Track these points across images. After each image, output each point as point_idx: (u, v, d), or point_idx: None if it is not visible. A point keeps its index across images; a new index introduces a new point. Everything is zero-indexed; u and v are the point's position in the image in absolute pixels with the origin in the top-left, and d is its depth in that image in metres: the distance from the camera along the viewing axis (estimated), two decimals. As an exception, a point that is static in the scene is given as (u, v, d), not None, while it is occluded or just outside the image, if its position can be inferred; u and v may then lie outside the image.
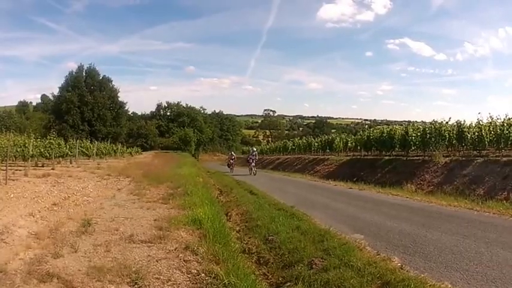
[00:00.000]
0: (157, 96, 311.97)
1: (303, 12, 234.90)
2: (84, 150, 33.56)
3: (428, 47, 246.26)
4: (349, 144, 40.19)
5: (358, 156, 35.09)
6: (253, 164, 32.85)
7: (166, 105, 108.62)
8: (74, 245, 7.08)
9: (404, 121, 59.97)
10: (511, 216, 11.41)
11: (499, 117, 22.05)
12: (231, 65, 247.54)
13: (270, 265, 7.92)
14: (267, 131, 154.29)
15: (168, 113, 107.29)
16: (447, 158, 22.67)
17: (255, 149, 36.09)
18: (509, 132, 20.57)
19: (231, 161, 38.47)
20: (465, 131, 23.58)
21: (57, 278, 5.59)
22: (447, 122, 25.48)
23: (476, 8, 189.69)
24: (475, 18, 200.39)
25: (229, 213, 13.70)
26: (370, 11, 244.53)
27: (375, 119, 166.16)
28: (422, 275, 6.51)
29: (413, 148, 27.47)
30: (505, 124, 21.02)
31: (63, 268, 6.02)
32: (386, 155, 30.25)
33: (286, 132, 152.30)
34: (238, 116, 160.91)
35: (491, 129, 21.99)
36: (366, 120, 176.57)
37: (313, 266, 7.15)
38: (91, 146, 35.50)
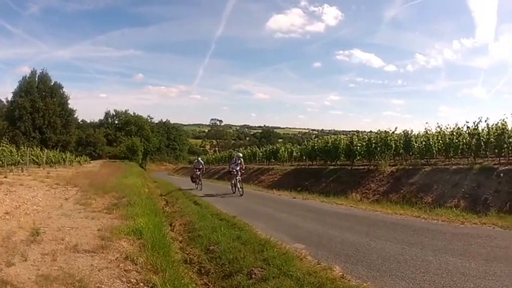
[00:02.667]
0: (106, 104, 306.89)
1: (253, 23, 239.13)
2: (34, 158, 34.42)
3: (378, 58, 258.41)
4: (294, 154, 40.25)
5: (303, 166, 35.12)
6: (238, 177, 22.48)
7: (114, 113, 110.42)
8: (24, 254, 7.33)
9: (352, 131, 60.65)
10: (462, 223, 11.60)
11: (448, 126, 22.65)
12: (180, 73, 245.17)
13: (210, 275, 8.11)
14: (214, 140, 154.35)
15: (116, 122, 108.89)
16: (393, 167, 22.89)
17: (240, 154, 24.65)
18: (458, 141, 21.00)
19: (198, 172, 29.18)
20: (412, 141, 23.93)
21: (11, 286, 5.87)
22: (393, 132, 25.89)
23: (431, 21, 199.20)
24: (429, 30, 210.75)
25: (173, 224, 14.17)
26: (321, 22, 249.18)
27: (322, 129, 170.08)
28: (365, 284, 6.60)
29: (358, 158, 27.86)
30: (454, 133, 21.47)
31: (15, 276, 6.27)
32: (331, 165, 30.28)
33: (233, 141, 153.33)
34: (185, 125, 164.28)
35: (439, 138, 22.51)
36: (313, 130, 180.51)
37: (253, 276, 7.31)
38: (41, 154, 36.29)
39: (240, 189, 21.93)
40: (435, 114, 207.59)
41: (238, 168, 22.75)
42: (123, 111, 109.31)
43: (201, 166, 30.37)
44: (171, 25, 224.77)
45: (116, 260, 7.45)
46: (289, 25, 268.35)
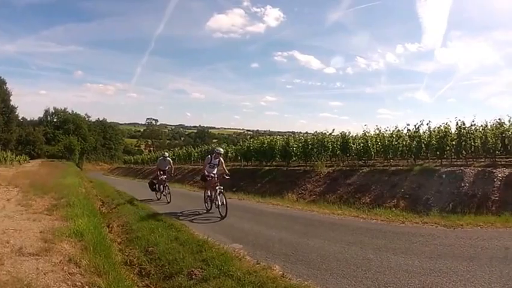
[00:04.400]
0: (46, 102, 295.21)
1: (194, 22, 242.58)
2: (-26, 157, 32.92)
3: (317, 60, 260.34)
4: (230, 155, 39.96)
5: (238, 167, 34.87)
6: (218, 187, 14.45)
7: (53, 111, 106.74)
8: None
9: (288, 132, 61.57)
10: (402, 222, 11.85)
11: (387, 129, 23.24)
12: (118, 71, 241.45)
13: (151, 276, 8.12)
14: (149, 140, 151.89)
15: (55, 120, 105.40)
16: (330, 168, 23.16)
17: (221, 150, 15.95)
18: (398, 143, 21.53)
19: (163, 175, 20.34)
20: (350, 142, 24.39)
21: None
22: (330, 133, 26.24)
23: (375, 25, 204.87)
24: (373, 34, 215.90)
25: (110, 225, 13.96)
26: (262, 23, 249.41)
27: (257, 130, 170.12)
28: (306, 282, 6.63)
29: (294, 159, 28.34)
30: (394, 136, 22.03)
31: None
32: (266, 166, 30.65)
33: (168, 141, 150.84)
34: (121, 124, 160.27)
35: (378, 140, 22.99)
36: (249, 130, 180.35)
37: (193, 276, 7.42)
38: (-19, 153, 34.62)
39: (221, 206, 14.00)
40: (374, 117, 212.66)
41: (215, 171, 15.37)
42: (62, 109, 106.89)
43: (167, 167, 20.77)
44: (114, 21, 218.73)
45: (60, 262, 7.40)
46: (230, 25, 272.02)
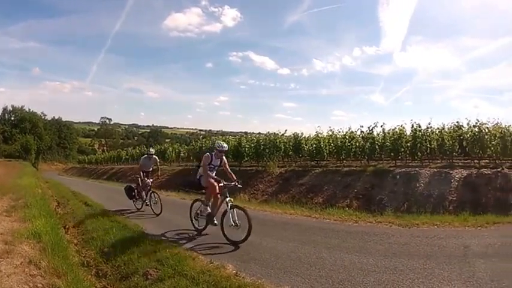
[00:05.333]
0: (3, 99, 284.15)
1: (151, 20, 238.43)
2: None
3: (272, 61, 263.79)
4: (182, 155, 40.50)
5: (191, 167, 34.45)
6: (227, 197, 9.91)
7: (11, 109, 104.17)
8: None
9: (240, 132, 61.47)
10: (355, 222, 11.87)
11: (341, 130, 23.53)
12: (76, 68, 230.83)
13: (108, 277, 8.15)
14: (103, 139, 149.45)
15: (12, 118, 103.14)
16: (282, 169, 23.25)
17: (225, 145, 10.67)
18: (351, 144, 21.87)
19: (148, 179, 15.85)
20: (302, 143, 24.65)
21: None
22: (283, 134, 26.50)
23: (333, 28, 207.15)
24: (330, 37, 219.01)
25: (67, 226, 13.70)
26: (219, 23, 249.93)
27: (210, 130, 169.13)
28: (260, 281, 6.69)
29: (246, 159, 28.41)
30: (347, 137, 22.38)
31: None
32: None
33: (122, 141, 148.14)
34: (76, 123, 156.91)
35: (331, 141, 23.30)
36: (201, 130, 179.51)
37: (149, 276, 7.51)
38: None
39: (235, 227, 9.33)
40: (329, 118, 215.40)
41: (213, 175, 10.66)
42: (20, 107, 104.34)
43: (151, 168, 16.52)
44: (75, 18, 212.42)
45: (21, 264, 7.37)
46: (187, 24, 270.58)
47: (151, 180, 15.77)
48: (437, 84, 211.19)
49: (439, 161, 19.24)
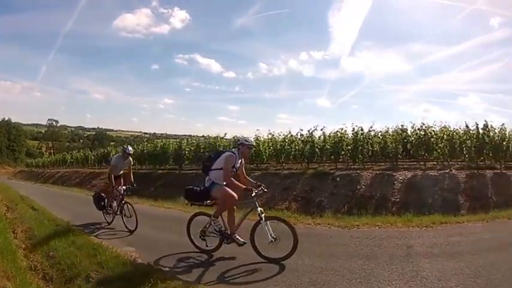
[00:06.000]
0: None
1: (102, 19, 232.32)
2: None
3: (217, 64, 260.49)
4: None
5: (133, 170, 33.74)
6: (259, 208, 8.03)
7: None
8: None
9: (184, 135, 61.09)
10: (294, 223, 11.15)
11: (281, 133, 23.61)
12: (26, 68, 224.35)
13: (54, 281, 8.02)
14: (50, 142, 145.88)
15: None
16: (223, 172, 22.67)
17: (252, 141, 8.72)
18: (291, 147, 21.94)
19: (121, 186, 12.53)
20: None
21: None
22: (223, 137, 26.52)
23: (281, 32, 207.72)
24: (278, 41, 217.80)
25: (15, 231, 13.34)
26: (167, 24, 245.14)
27: (154, 133, 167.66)
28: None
29: (187, 162, 28.45)
30: (287, 140, 22.51)
31: None
32: (160, 169, 30.80)
33: (68, 144, 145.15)
34: (24, 124, 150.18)
35: (270, 144, 23.31)
36: (146, 133, 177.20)
37: (90, 279, 7.49)
38: None
39: (275, 238, 7.46)
40: (274, 122, 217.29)
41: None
42: None
43: (122, 171, 13.33)
44: (29, 16, 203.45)
45: None
46: (135, 25, 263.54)
47: (124, 187, 12.26)
48: (385, 89, 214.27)
49: (383, 164, 19.42)
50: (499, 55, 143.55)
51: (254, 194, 7.94)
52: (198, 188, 8.57)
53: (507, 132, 17.95)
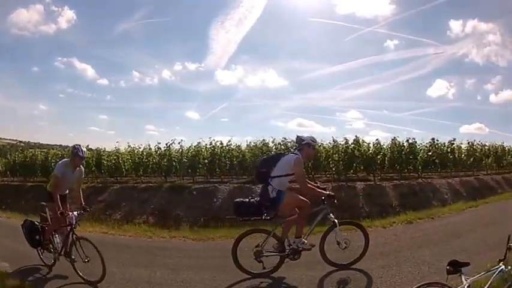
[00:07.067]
0: None
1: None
2: None
3: (93, 70, 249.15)
4: (0, 169, 36.85)
5: (6, 182, 32.22)
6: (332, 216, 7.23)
7: None
8: None
9: (56, 145, 58.26)
10: (149, 237, 12.09)
11: (140, 146, 23.98)
12: None
13: None
14: None
15: None
16: (84, 185, 22.24)
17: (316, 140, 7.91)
18: (148, 160, 22.41)
19: (72, 212, 7.57)
20: (104, 159, 24.43)
21: None
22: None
23: (159, 41, 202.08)
24: (154, 50, 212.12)
25: None
26: (55, 23, 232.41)
27: (29, 141, 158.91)
28: None
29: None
30: (145, 153, 22.95)
31: None
32: (29, 181, 29.07)
33: None
34: None
35: (130, 157, 23.56)
36: (21, 142, 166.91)
37: None
38: None
39: (347, 244, 7.20)
40: (143, 133, 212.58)
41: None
42: None
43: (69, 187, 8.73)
44: None
45: None
46: (27, 22, 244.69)
47: (75, 213, 7.61)
48: (258, 103, 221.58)
49: (245, 177, 19.87)
50: (390, 75, 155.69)
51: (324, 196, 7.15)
52: (254, 200, 7.32)
53: (385, 146, 19.65)
